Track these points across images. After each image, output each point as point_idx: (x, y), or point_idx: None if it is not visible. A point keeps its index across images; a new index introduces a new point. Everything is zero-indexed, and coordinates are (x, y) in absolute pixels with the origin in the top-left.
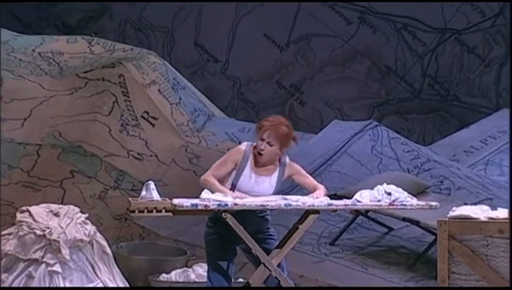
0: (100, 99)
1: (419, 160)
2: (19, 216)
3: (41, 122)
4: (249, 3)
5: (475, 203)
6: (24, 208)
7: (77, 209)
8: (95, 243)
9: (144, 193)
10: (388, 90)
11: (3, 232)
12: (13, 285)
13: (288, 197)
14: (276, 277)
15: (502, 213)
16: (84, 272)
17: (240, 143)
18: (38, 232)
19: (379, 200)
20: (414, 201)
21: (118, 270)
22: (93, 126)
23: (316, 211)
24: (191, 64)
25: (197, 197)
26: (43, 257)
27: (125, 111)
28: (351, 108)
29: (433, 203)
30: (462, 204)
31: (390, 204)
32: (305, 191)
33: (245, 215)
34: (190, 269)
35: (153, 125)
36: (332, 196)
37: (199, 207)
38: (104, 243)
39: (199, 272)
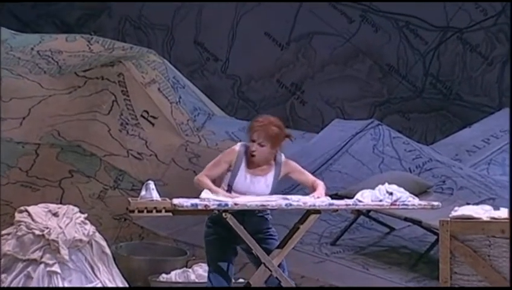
0: (99, 98)
1: (421, 159)
2: (18, 216)
3: (40, 122)
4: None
5: (477, 203)
6: (22, 208)
7: (76, 209)
8: (94, 243)
9: (143, 192)
10: (390, 89)
11: (1, 232)
12: (12, 285)
13: (289, 197)
14: (276, 277)
15: (505, 213)
16: (83, 273)
17: (240, 142)
18: (37, 232)
19: (381, 200)
20: (416, 201)
21: (117, 270)
22: (93, 125)
23: (317, 211)
24: (191, 62)
25: (197, 197)
26: (41, 257)
27: (125, 110)
28: (353, 107)
29: (435, 203)
30: (465, 204)
31: (391, 204)
32: (306, 191)
33: (244, 215)
34: (190, 270)
35: (153, 124)
36: (334, 196)
37: (199, 207)
38: (104, 243)
39: (199, 272)
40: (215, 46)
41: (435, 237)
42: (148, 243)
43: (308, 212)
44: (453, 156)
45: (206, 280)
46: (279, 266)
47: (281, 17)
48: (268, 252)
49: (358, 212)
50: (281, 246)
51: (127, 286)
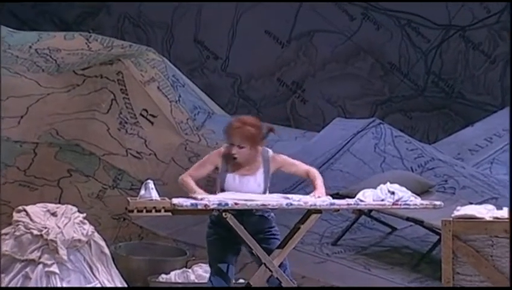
0: (98, 96)
1: (423, 158)
2: (16, 216)
3: (38, 120)
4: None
5: (480, 203)
6: (21, 207)
7: (75, 208)
8: (93, 243)
9: (142, 192)
10: (391, 87)
11: None
12: (10, 286)
13: (290, 196)
14: (277, 278)
15: (508, 213)
16: (82, 273)
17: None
18: (35, 232)
19: (382, 200)
20: (418, 200)
21: (116, 270)
22: (91, 124)
23: (318, 211)
24: (191, 61)
25: (187, 197)
26: (40, 258)
27: (124, 109)
28: (354, 106)
29: (437, 203)
30: (467, 203)
31: (393, 203)
32: (307, 190)
33: (244, 215)
34: (190, 270)
35: (152, 123)
36: (335, 195)
37: (199, 207)
38: (102, 243)
39: (199, 272)
40: (215, 44)
41: (437, 237)
42: (147, 243)
43: (309, 212)
44: (455, 155)
45: (205, 280)
46: (280, 266)
47: (281, 15)
48: (270, 252)
49: (360, 212)
50: (282, 246)
51: (126, 286)
